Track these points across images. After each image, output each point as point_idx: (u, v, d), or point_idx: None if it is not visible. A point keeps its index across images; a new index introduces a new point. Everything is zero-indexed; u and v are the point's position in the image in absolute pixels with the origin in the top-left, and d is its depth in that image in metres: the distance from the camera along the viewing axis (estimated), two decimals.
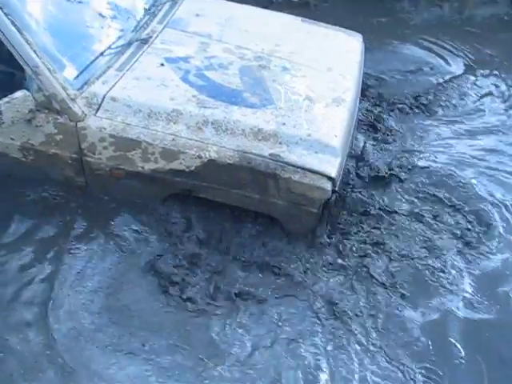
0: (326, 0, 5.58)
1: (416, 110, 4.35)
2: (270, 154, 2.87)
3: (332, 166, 2.90)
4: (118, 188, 3.08)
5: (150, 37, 3.33)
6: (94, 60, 3.06)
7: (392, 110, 4.29)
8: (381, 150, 3.80)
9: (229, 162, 2.86)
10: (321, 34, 3.76)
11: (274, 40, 3.53)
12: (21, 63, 2.81)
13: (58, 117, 2.90)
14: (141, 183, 3.01)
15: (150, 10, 3.53)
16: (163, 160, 2.91)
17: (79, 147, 2.96)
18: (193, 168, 2.90)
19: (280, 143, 2.92)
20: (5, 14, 2.76)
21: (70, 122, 2.90)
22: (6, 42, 2.78)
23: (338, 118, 3.13)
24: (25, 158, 3.07)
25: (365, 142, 3.77)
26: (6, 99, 2.74)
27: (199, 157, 2.87)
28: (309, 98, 3.17)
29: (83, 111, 2.90)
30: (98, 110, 2.92)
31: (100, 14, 3.26)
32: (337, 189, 2.93)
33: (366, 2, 5.57)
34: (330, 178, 2.86)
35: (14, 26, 2.77)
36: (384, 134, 4.02)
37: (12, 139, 3.00)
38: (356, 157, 3.63)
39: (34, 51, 2.80)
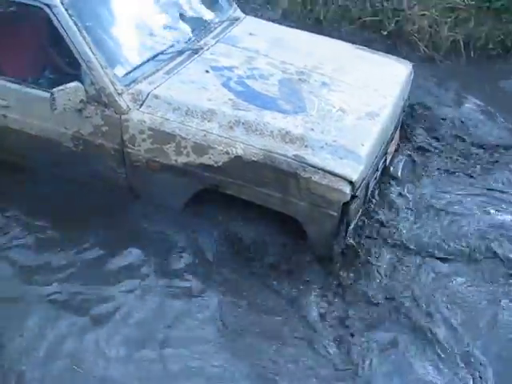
0: (451, 58, 5.57)
1: None
2: (293, 155, 2.98)
3: (353, 171, 2.96)
4: (153, 180, 3.28)
5: (202, 48, 3.60)
6: (146, 62, 3.35)
7: None
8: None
9: (253, 159, 3.00)
10: (369, 58, 3.89)
11: (319, 59, 3.69)
12: (78, 58, 3.15)
13: (106, 109, 3.19)
14: (173, 176, 3.20)
15: (208, 26, 3.83)
16: (194, 154, 3.09)
17: (121, 139, 3.22)
18: (220, 163, 3.06)
19: (306, 146, 3.03)
20: (69, 15, 3.12)
21: (115, 114, 3.18)
22: (67, 39, 3.13)
23: (368, 129, 3.21)
24: (75, 148, 3.36)
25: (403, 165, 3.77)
26: (60, 87, 3.05)
27: (227, 153, 3.03)
28: (342, 110, 3.28)
29: (128, 105, 3.17)
30: (141, 105, 3.18)
31: (159, 22, 3.57)
32: (357, 194, 2.97)
33: (491, 62, 5.52)
34: (349, 182, 2.92)
35: (76, 25, 3.12)
36: None
37: (65, 128, 3.31)
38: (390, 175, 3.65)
39: (90, 48, 3.13)
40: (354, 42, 4.21)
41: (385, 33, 5.41)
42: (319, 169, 2.94)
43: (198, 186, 3.20)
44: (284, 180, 2.99)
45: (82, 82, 3.15)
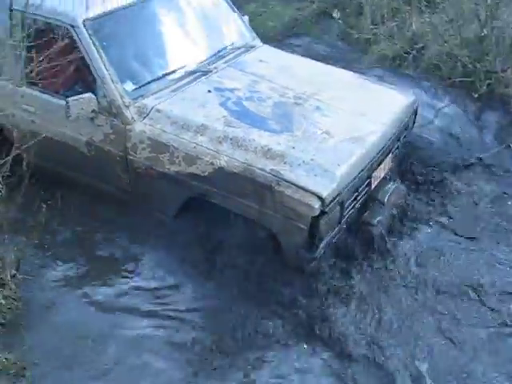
0: None
1: None
2: (270, 169, 3.22)
3: (325, 188, 3.15)
4: (150, 186, 3.60)
5: (211, 71, 3.93)
6: (156, 79, 3.73)
7: None
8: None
9: (235, 171, 3.26)
10: (370, 88, 4.10)
11: (320, 86, 3.92)
12: (93, 73, 3.56)
13: (114, 119, 3.57)
14: (167, 183, 3.51)
15: (223, 51, 4.18)
16: (184, 164, 3.39)
17: (125, 146, 3.57)
18: (206, 173, 3.34)
19: (284, 162, 3.25)
20: (89, 35, 3.55)
21: (121, 124, 3.55)
22: (86, 56, 3.55)
23: (348, 152, 3.40)
24: (89, 153, 3.76)
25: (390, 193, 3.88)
26: (75, 97, 3.46)
27: (212, 164, 3.31)
28: (327, 132, 3.49)
29: (133, 117, 3.54)
30: (145, 117, 3.54)
31: (174, 44, 3.93)
32: (327, 211, 3.15)
33: None
34: (319, 198, 3.12)
35: (94, 44, 3.54)
36: None
37: (80, 134, 3.72)
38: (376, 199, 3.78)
39: (104, 65, 3.54)
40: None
41: (476, 95, 5.24)
42: (292, 184, 3.16)
43: (187, 193, 3.49)
44: (261, 192, 3.22)
45: (96, 93, 3.55)
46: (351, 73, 4.33)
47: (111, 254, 3.71)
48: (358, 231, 3.70)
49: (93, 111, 3.55)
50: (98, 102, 3.55)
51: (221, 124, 3.47)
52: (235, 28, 4.45)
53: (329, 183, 3.19)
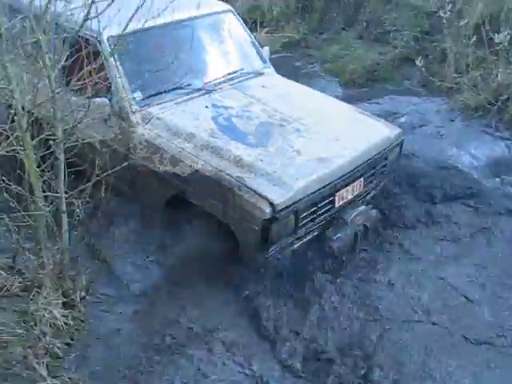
0: None
1: None
2: (236, 176, 3.71)
3: (278, 197, 3.61)
4: (145, 183, 4.18)
5: (215, 90, 4.48)
6: (164, 92, 4.32)
7: None
8: None
9: (207, 174, 3.78)
10: (357, 119, 4.49)
11: (308, 111, 4.37)
12: (111, 81, 4.20)
13: (123, 123, 4.18)
14: (156, 181, 4.06)
15: (233, 74, 4.73)
16: (170, 164, 3.95)
17: (128, 146, 4.17)
18: (185, 174, 3.87)
19: (250, 172, 3.74)
20: (110, 49, 4.18)
21: (128, 127, 4.16)
22: (106, 66, 4.16)
23: (310, 170, 3.83)
24: (102, 150, 4.39)
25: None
26: (93, 100, 4.09)
27: (190, 166, 3.85)
28: (297, 151, 3.95)
29: (137, 122, 4.14)
30: (147, 123, 4.14)
31: (186, 63, 4.43)
32: (278, 217, 3.58)
33: None
34: (270, 204, 3.57)
35: (113, 56, 4.18)
36: None
37: (97, 133, 4.36)
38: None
39: (119, 76, 4.17)
40: None
41: None
42: (251, 190, 3.64)
43: (171, 191, 4.02)
44: (225, 195, 3.71)
45: (110, 99, 4.19)
46: (346, 104, 4.75)
47: None
48: (321, 245, 4.07)
49: (107, 114, 4.19)
50: (111, 106, 4.19)
51: (206, 134, 4.00)
52: (248, 56, 5.00)
53: (283, 193, 3.64)
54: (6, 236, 3.65)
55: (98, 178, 3.44)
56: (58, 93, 3.29)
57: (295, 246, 3.91)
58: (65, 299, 3.42)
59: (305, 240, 3.96)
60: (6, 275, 3.49)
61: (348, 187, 4.08)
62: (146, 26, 4.26)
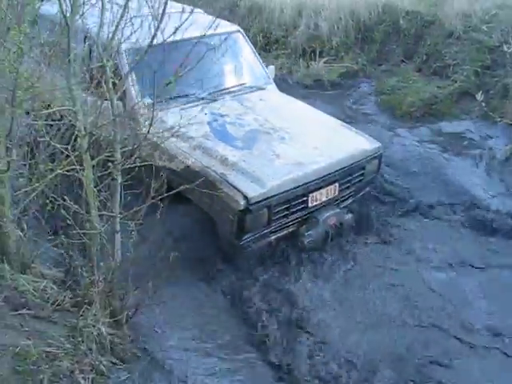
0: None
1: None
2: (220, 172, 4.27)
3: (252, 191, 4.19)
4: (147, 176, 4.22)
5: (216, 100, 4.82)
6: (170, 98, 4.48)
7: None
8: None
9: (196, 170, 4.26)
10: (340, 132, 5.05)
11: (296, 123, 4.88)
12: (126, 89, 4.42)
13: (131, 122, 4.23)
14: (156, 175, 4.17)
15: (235, 87, 5.11)
16: (168, 160, 4.24)
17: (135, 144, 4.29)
18: (179, 169, 4.30)
19: (232, 169, 4.31)
20: (126, 59, 4.52)
21: (136, 127, 4.25)
22: (122, 73, 4.34)
23: (285, 171, 4.41)
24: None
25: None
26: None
27: (183, 162, 4.31)
28: (277, 155, 4.55)
29: (143, 122, 4.21)
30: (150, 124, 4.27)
31: (194, 75, 4.44)
32: (252, 209, 4.16)
33: None
34: (245, 197, 4.16)
35: (129, 66, 4.42)
36: None
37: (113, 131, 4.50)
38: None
39: (132, 82, 4.59)
40: None
41: None
42: (231, 184, 4.22)
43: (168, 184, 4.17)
44: (210, 188, 4.10)
45: (124, 101, 4.34)
46: (334, 118, 5.30)
47: None
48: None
49: (119, 114, 4.32)
50: (124, 106, 4.30)
51: (200, 136, 4.37)
52: (252, 72, 5.55)
53: (258, 189, 4.23)
54: (60, 251, 3.75)
55: (153, 201, 3.51)
56: (119, 116, 3.40)
57: (271, 238, 4.52)
58: (112, 318, 3.49)
59: (280, 234, 4.58)
60: (57, 289, 3.58)
61: (322, 190, 4.62)
62: (160, 41, 4.37)
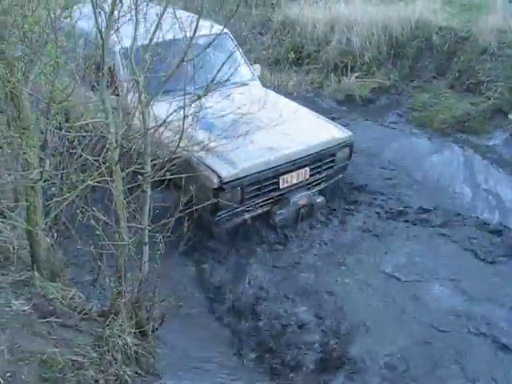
0: None
1: None
2: (198, 156, 4.79)
3: (226, 172, 4.75)
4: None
5: (205, 95, 4.76)
6: (159, 94, 4.35)
7: None
8: None
9: (179, 155, 4.21)
10: (313, 121, 5.59)
11: (272, 114, 5.09)
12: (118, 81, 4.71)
13: (127, 115, 4.33)
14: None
15: (222, 83, 4.89)
16: (156, 147, 4.18)
17: (128, 135, 4.33)
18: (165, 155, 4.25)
19: (210, 153, 4.78)
20: (120, 58, 4.88)
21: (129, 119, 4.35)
22: (117, 71, 4.74)
23: (257, 155, 4.95)
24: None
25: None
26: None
27: (168, 147, 4.19)
28: (252, 142, 5.03)
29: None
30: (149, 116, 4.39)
31: (183, 72, 4.39)
32: (225, 188, 4.71)
33: None
34: (218, 176, 4.73)
35: (122, 64, 4.94)
36: None
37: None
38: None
39: (125, 79, 4.64)
40: None
41: None
42: (207, 166, 4.77)
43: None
44: (190, 170, 4.48)
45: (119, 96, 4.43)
46: (311, 111, 5.77)
47: None
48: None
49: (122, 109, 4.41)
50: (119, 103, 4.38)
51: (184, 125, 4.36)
52: (238, 70, 5.40)
53: (230, 170, 4.78)
54: (89, 261, 3.79)
55: (180, 214, 3.54)
56: (150, 129, 3.44)
57: (245, 216, 5.05)
58: (138, 329, 3.50)
59: (254, 213, 5.11)
60: (85, 299, 3.64)
61: (293, 173, 5.14)
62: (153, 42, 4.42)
